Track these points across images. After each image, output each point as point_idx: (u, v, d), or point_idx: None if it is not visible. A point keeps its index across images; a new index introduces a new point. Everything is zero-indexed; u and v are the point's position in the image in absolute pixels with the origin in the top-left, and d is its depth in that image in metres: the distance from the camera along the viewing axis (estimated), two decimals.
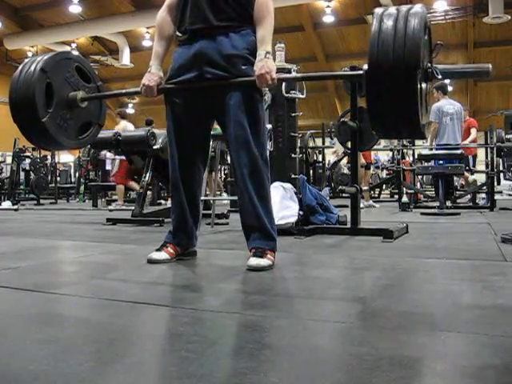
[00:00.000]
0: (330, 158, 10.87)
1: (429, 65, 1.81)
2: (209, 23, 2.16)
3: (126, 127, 6.88)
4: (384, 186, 11.49)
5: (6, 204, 8.17)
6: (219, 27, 2.15)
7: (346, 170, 10.01)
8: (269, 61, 2.10)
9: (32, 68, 2.32)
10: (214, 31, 2.15)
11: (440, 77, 1.79)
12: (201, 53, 2.15)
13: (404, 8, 1.78)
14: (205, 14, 2.16)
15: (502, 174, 7.12)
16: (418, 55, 1.66)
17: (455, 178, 7.32)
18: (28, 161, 10.23)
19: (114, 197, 8.91)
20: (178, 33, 2.31)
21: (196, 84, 2.19)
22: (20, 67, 2.38)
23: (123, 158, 6.21)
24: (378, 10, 1.82)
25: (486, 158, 6.84)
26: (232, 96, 2.14)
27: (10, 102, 2.34)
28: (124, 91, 2.79)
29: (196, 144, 2.31)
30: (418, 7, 1.78)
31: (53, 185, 10.61)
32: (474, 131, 7.49)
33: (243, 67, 2.14)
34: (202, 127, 2.32)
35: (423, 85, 1.78)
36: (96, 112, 2.60)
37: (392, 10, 1.80)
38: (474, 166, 7.65)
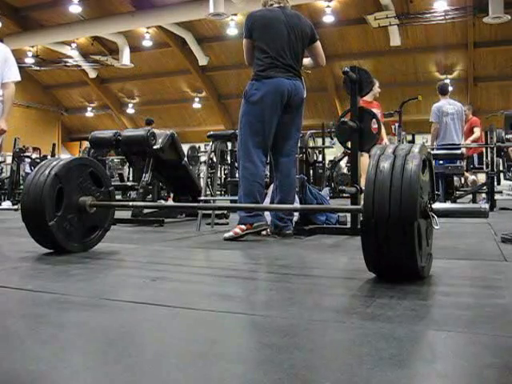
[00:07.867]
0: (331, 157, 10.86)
1: (428, 204, 1.73)
2: None
3: None
4: None
5: (6, 204, 8.16)
6: None
7: (345, 170, 10.01)
8: None
9: (46, 172, 2.38)
10: None
11: (437, 227, 1.74)
12: None
13: (401, 152, 1.69)
14: None
15: (502, 174, 7.10)
16: (414, 210, 1.59)
17: (455, 178, 7.30)
18: (28, 161, 10.21)
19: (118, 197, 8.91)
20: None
21: None
22: (36, 169, 2.47)
23: None
24: (375, 152, 1.73)
25: (486, 157, 6.83)
26: None
27: (22, 203, 2.42)
28: (131, 204, 2.86)
29: None
30: (415, 151, 1.69)
31: None
32: (477, 130, 7.44)
33: None
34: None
35: (422, 223, 1.72)
36: (103, 216, 2.65)
37: (389, 151, 1.71)
38: (479, 164, 7.60)
